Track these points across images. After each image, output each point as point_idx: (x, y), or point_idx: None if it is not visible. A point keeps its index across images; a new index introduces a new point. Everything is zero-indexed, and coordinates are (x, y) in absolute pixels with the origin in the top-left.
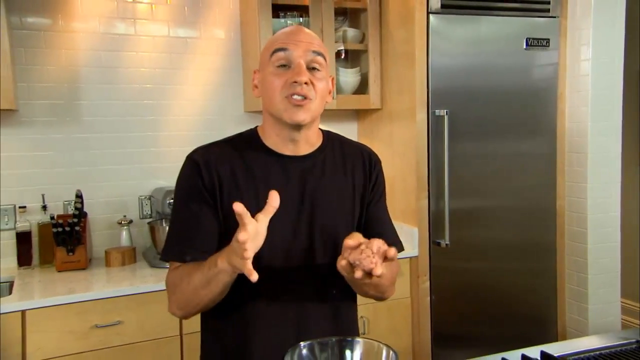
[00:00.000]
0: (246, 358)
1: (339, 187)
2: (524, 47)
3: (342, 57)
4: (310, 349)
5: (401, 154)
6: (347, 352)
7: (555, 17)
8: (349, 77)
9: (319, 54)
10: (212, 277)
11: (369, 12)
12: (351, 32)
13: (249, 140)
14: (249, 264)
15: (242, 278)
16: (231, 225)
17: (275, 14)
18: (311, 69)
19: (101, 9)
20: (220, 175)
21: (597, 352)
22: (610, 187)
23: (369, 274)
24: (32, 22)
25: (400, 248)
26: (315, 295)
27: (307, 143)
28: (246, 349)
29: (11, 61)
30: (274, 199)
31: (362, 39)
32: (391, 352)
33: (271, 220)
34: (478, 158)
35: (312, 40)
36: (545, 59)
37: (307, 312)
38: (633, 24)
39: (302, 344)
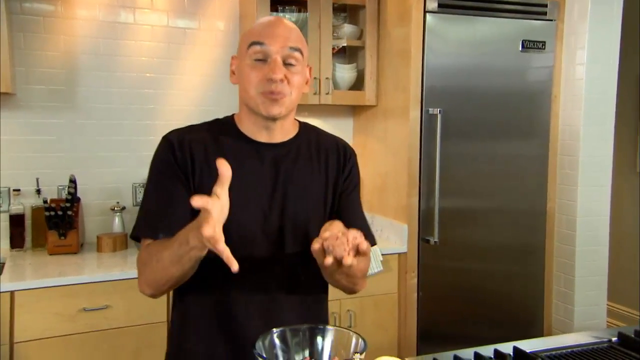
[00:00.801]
0: (214, 337)
1: (312, 175)
2: (520, 49)
3: (339, 52)
4: (282, 335)
5: (394, 151)
6: (318, 339)
7: (552, 20)
8: (346, 73)
9: (296, 49)
10: (184, 253)
11: (367, 10)
12: (349, 29)
13: (225, 126)
14: (227, 253)
15: (210, 261)
16: None
17: (274, 8)
18: (287, 64)
19: None
20: (193, 155)
21: (569, 350)
22: (600, 190)
23: (339, 262)
24: (31, 7)
25: (372, 241)
26: (283, 279)
27: (282, 132)
28: (215, 328)
29: (9, 45)
30: (224, 169)
31: (360, 36)
32: (360, 340)
33: (243, 203)
34: (470, 158)
35: (289, 35)
36: (541, 62)
37: (274, 295)
38: (629, 29)
39: (274, 330)
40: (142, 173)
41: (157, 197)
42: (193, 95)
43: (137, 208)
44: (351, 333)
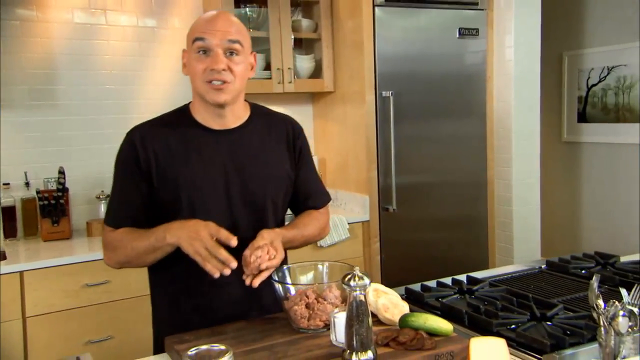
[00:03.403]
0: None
1: (268, 156)
2: (457, 36)
3: (298, 44)
4: (290, 268)
5: (353, 132)
6: (319, 266)
7: (483, 9)
8: (305, 63)
9: (236, 41)
10: (159, 247)
11: (321, 4)
12: (305, 22)
13: (181, 117)
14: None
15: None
16: (166, 193)
17: (237, 6)
18: (229, 54)
19: (74, 0)
20: (155, 150)
21: (510, 275)
22: (530, 157)
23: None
24: (8, 12)
25: (327, 198)
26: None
27: (234, 117)
28: (192, 297)
29: None
30: (233, 242)
31: (316, 29)
32: (351, 266)
33: (206, 192)
34: (420, 136)
35: (228, 29)
36: (475, 47)
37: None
38: (548, 14)
39: (284, 266)
40: None
41: (120, 191)
42: (163, 90)
43: None
44: (344, 264)
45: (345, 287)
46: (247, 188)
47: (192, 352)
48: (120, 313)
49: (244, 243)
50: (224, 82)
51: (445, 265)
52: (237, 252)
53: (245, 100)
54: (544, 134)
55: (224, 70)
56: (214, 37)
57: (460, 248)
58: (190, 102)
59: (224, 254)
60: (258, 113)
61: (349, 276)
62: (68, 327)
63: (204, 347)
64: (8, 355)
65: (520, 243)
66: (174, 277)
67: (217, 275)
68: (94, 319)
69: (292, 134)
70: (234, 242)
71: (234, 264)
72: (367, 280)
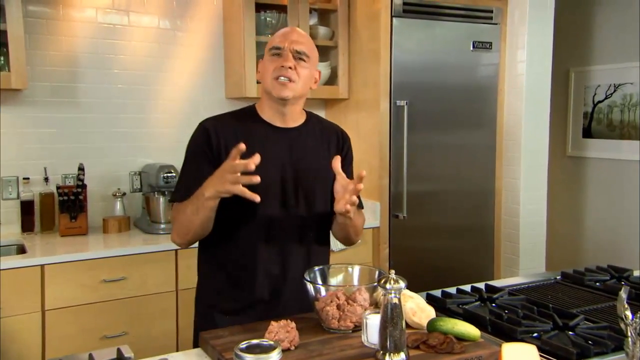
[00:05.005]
0: (243, 280)
1: (318, 153)
2: (471, 48)
3: None
4: (322, 270)
5: (366, 139)
6: (349, 269)
7: (497, 24)
8: (320, 70)
9: (303, 52)
10: (200, 205)
11: (339, 13)
12: (322, 30)
13: (249, 114)
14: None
15: (237, 216)
16: None
17: (257, 10)
18: (297, 59)
19: (98, 0)
20: (226, 140)
21: (527, 285)
22: (538, 170)
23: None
24: (36, 10)
25: (360, 205)
26: (295, 233)
27: (293, 118)
28: (243, 274)
29: (25, 46)
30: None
31: (332, 37)
32: (379, 270)
33: (265, 178)
34: (432, 144)
35: (299, 39)
36: (488, 60)
37: (288, 249)
38: (560, 31)
39: (315, 267)
40: (137, 162)
41: (190, 172)
42: (182, 91)
43: (135, 194)
44: (373, 267)
45: (380, 289)
46: (299, 179)
47: (243, 345)
48: (136, 309)
49: (295, 230)
50: (290, 79)
51: (452, 274)
52: (292, 227)
53: (303, 109)
54: (549, 147)
55: (290, 68)
56: (287, 42)
57: (467, 257)
58: (255, 104)
59: (241, 162)
60: (313, 119)
61: (385, 279)
62: (85, 321)
63: (255, 341)
64: (28, 346)
65: (525, 255)
66: (219, 268)
67: (256, 197)
68: (110, 315)
69: (342, 141)
70: (242, 145)
71: (251, 166)
72: (402, 284)
